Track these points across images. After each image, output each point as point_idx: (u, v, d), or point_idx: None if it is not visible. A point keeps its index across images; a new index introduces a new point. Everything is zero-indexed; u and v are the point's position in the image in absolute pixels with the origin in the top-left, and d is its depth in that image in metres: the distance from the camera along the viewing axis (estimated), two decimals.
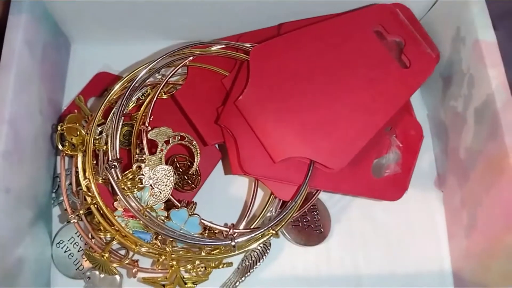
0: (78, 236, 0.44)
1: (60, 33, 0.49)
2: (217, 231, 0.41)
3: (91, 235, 0.41)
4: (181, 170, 0.44)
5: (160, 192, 0.39)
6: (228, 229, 0.40)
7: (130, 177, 0.39)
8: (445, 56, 0.46)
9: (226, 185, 0.46)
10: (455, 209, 0.45)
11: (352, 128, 0.39)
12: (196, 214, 0.39)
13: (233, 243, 0.38)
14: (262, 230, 0.39)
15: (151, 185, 0.39)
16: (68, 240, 0.44)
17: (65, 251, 0.43)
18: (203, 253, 0.40)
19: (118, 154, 0.40)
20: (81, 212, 0.39)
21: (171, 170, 0.39)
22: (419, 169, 0.48)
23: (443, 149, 0.47)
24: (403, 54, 0.42)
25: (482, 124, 0.40)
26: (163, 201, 0.39)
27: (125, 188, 0.39)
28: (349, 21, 0.43)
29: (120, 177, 0.39)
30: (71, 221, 0.39)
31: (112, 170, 0.39)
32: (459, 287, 0.44)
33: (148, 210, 0.39)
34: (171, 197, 0.40)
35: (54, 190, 0.45)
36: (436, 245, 0.46)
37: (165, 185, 0.39)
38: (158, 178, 0.39)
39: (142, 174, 0.39)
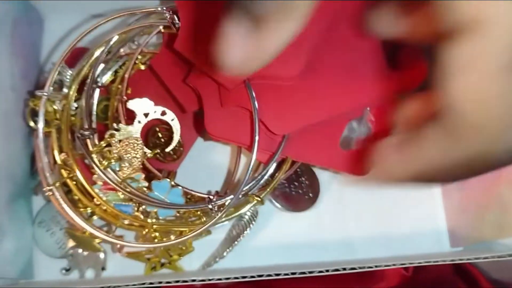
0: (59, 214, 0.42)
1: (31, 8, 0.47)
2: (199, 199, 0.40)
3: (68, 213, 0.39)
4: (162, 141, 0.42)
5: (130, 163, 0.37)
6: (211, 196, 0.38)
7: (104, 145, 0.37)
8: None
9: (209, 153, 0.45)
10: None
11: (310, 100, 0.37)
12: (178, 185, 0.38)
13: (210, 206, 0.37)
14: (239, 193, 0.37)
15: (120, 155, 0.37)
16: (50, 219, 0.42)
17: (46, 230, 0.42)
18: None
19: (93, 125, 0.39)
20: (57, 184, 0.37)
21: (139, 140, 0.38)
22: None
23: None
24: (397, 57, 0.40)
25: None
26: (134, 173, 0.37)
27: (101, 159, 0.37)
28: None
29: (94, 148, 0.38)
30: (46, 194, 0.37)
31: (87, 139, 0.37)
32: (455, 244, 0.43)
33: (128, 180, 0.38)
34: (150, 167, 0.39)
35: (34, 170, 0.44)
36: (430, 204, 0.45)
37: (135, 156, 0.38)
38: (126, 148, 0.37)
39: (114, 144, 0.37)
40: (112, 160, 0.38)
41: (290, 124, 0.37)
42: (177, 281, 0.34)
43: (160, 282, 0.35)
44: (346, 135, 0.41)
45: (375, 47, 0.39)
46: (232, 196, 0.37)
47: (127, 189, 0.37)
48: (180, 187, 0.38)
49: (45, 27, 0.50)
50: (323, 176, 0.44)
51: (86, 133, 0.38)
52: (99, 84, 0.41)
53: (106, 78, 0.43)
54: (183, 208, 0.38)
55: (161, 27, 0.42)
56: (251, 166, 0.36)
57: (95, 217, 0.39)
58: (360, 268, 0.34)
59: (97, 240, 0.38)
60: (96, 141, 0.39)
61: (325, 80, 0.38)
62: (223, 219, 0.39)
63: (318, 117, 0.37)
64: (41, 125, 0.39)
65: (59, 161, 0.39)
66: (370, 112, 0.40)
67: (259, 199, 0.38)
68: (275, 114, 0.37)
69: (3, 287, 0.38)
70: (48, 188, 0.37)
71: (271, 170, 0.39)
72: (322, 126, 0.38)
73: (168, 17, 0.39)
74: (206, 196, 0.38)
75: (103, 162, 0.38)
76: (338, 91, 0.37)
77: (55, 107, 0.40)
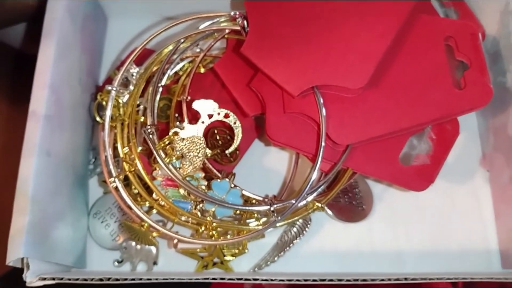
0: (115, 206, 0.43)
1: (98, 6, 0.49)
2: (256, 202, 0.40)
3: (129, 205, 0.40)
4: (220, 143, 0.43)
5: (191, 162, 0.38)
6: (270, 200, 0.39)
7: (167, 142, 0.38)
8: (492, 32, 0.44)
9: (263, 157, 0.46)
10: (503, 186, 0.43)
11: (373, 113, 0.38)
12: (237, 186, 0.38)
13: (272, 208, 0.37)
14: (301, 198, 0.37)
15: (182, 153, 0.38)
16: (105, 211, 0.43)
17: (101, 222, 0.43)
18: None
19: (156, 122, 0.40)
20: (120, 177, 0.38)
21: (202, 140, 0.38)
22: (464, 149, 0.47)
23: (489, 128, 0.46)
24: (463, 76, 0.40)
25: None
26: (194, 171, 0.38)
27: (163, 156, 0.38)
28: (424, 23, 0.40)
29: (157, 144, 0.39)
30: (111, 185, 0.38)
31: (150, 135, 0.38)
32: (506, 266, 0.42)
33: (187, 178, 0.38)
34: (210, 167, 0.40)
35: (92, 162, 0.45)
36: (481, 225, 0.44)
37: (197, 155, 0.38)
38: (190, 147, 0.38)
39: (177, 142, 0.38)
40: (173, 158, 0.38)
41: (352, 136, 0.38)
42: (231, 279, 0.34)
43: (214, 279, 0.35)
44: (406, 151, 0.41)
45: (442, 65, 0.39)
46: (293, 201, 0.37)
47: (190, 186, 0.38)
48: (238, 188, 0.39)
49: (108, 26, 0.52)
50: (377, 188, 0.44)
51: (151, 129, 0.39)
52: (162, 84, 0.42)
53: (166, 78, 0.44)
54: (244, 208, 0.38)
55: (227, 31, 0.43)
56: (315, 173, 0.36)
57: (154, 211, 0.39)
58: (412, 279, 0.34)
59: (154, 234, 0.39)
60: (156, 139, 0.39)
61: (389, 95, 0.38)
62: (283, 223, 0.39)
63: (380, 131, 0.38)
64: (107, 119, 0.39)
65: (122, 155, 0.39)
66: (431, 130, 0.40)
67: (319, 205, 0.38)
68: (338, 124, 0.38)
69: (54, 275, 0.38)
70: (112, 179, 0.38)
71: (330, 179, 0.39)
72: (383, 140, 0.39)
73: (240, 21, 0.40)
74: (265, 199, 0.39)
75: (165, 158, 0.38)
76: (401, 107, 0.38)
77: (120, 101, 0.41)
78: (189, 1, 0.48)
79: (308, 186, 0.36)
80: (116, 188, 0.38)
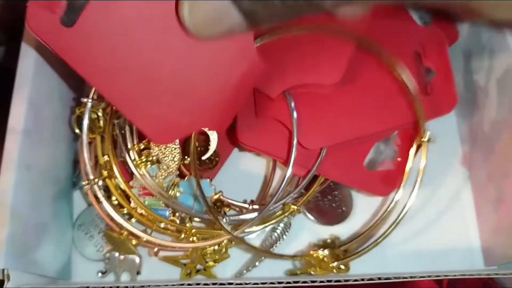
0: (98, 218, 0.44)
1: None
2: (236, 208, 0.41)
3: (111, 215, 0.41)
4: (198, 149, 0.43)
5: (168, 166, 0.39)
6: (247, 205, 0.39)
7: (142, 146, 0.39)
8: (465, 30, 0.45)
9: (248, 163, 0.46)
10: (481, 185, 0.44)
11: (342, 118, 0.38)
12: (206, 177, 0.39)
13: (225, 220, 0.38)
14: (273, 201, 0.38)
15: (158, 158, 0.39)
16: (89, 223, 0.44)
17: (85, 233, 0.44)
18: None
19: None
20: (95, 180, 0.39)
21: (177, 144, 0.39)
22: (445, 149, 0.47)
23: (467, 127, 0.46)
24: (430, 82, 0.41)
25: (505, 94, 0.39)
26: (171, 175, 0.39)
27: (139, 162, 0.39)
28: (393, 30, 0.41)
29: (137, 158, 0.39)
30: (85, 187, 0.39)
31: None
32: (489, 263, 0.42)
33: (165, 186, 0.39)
34: (184, 170, 0.40)
35: (76, 175, 0.46)
36: (463, 223, 0.44)
37: (172, 159, 0.39)
38: (164, 151, 0.39)
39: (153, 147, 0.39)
40: (149, 163, 0.39)
41: (320, 140, 0.38)
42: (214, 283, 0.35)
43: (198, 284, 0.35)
44: (372, 156, 0.41)
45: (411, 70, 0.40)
46: (271, 208, 0.38)
47: (159, 192, 0.39)
48: (207, 179, 0.40)
49: None
50: (354, 189, 0.45)
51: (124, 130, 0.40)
52: None
53: None
54: (206, 217, 0.39)
55: None
56: (286, 178, 0.37)
57: (133, 220, 0.40)
58: (395, 278, 0.34)
59: (133, 241, 0.39)
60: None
61: (358, 100, 0.39)
62: (260, 227, 0.39)
63: (348, 135, 0.38)
64: (85, 130, 0.40)
65: (101, 162, 0.40)
66: (397, 136, 0.40)
67: (295, 208, 0.39)
68: (307, 128, 0.38)
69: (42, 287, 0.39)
70: (87, 182, 0.39)
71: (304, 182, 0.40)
72: (349, 145, 0.39)
73: None
74: (242, 205, 0.39)
75: (140, 163, 0.39)
76: (369, 112, 0.38)
77: (99, 114, 0.42)
78: None
79: (281, 190, 0.37)
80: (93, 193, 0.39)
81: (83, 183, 0.39)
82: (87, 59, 0.31)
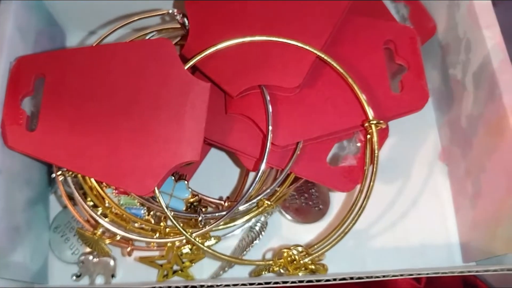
0: (74, 220, 0.43)
1: (54, 22, 0.49)
2: (213, 205, 0.40)
3: (85, 215, 0.40)
4: None
5: None
6: (222, 201, 0.39)
7: None
8: (442, 24, 0.45)
9: (223, 164, 0.46)
10: (460, 180, 0.43)
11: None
12: (182, 179, 0.39)
13: (199, 218, 0.38)
14: (244, 197, 0.37)
15: None
16: (65, 225, 0.44)
17: (61, 236, 0.43)
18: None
19: None
20: (67, 173, 0.39)
21: None
22: (423, 144, 0.47)
23: (445, 121, 0.46)
24: (401, 80, 0.40)
25: (481, 88, 0.39)
26: None
27: None
28: (363, 27, 0.41)
29: None
30: (57, 177, 0.39)
31: None
32: (467, 259, 0.42)
33: None
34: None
35: (51, 178, 0.45)
36: (442, 219, 0.44)
37: None
38: None
39: None
40: None
41: (289, 137, 0.38)
42: (186, 287, 0.34)
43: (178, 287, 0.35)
44: (335, 152, 0.41)
45: (380, 68, 0.40)
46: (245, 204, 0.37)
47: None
48: (184, 181, 0.39)
49: (67, 42, 0.52)
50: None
51: None
52: None
53: None
54: (182, 214, 0.39)
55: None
56: (259, 174, 0.37)
57: (106, 220, 0.39)
58: (367, 277, 0.34)
59: (107, 241, 0.39)
60: None
61: (327, 97, 0.38)
62: (233, 224, 0.39)
63: (317, 132, 0.38)
64: None
65: None
66: (361, 132, 0.40)
67: (269, 203, 0.38)
68: (276, 126, 0.38)
69: None
70: (60, 172, 0.39)
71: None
72: (312, 142, 0.39)
73: (179, 18, 0.40)
74: (217, 201, 0.39)
75: None
76: (339, 109, 0.38)
77: None
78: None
79: (253, 186, 0.36)
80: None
81: (57, 173, 0.39)
82: (55, 149, 0.37)
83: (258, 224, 0.43)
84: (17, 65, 0.40)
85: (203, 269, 0.43)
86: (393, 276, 0.34)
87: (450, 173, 0.45)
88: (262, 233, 0.42)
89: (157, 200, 0.36)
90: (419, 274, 0.34)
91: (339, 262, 0.42)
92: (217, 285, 0.34)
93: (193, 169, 0.44)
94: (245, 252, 0.42)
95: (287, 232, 0.44)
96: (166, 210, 0.36)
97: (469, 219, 0.42)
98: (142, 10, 0.46)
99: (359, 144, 0.39)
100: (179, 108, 0.36)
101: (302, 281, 0.34)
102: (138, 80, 0.37)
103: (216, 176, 0.45)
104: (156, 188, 0.35)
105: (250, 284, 0.33)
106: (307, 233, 0.44)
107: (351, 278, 0.33)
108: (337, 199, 0.45)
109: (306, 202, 0.44)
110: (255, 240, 0.42)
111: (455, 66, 0.43)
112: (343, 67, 0.38)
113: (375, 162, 0.37)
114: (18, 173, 0.40)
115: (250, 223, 0.43)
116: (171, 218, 0.36)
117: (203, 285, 0.34)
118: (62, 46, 0.51)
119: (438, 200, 0.45)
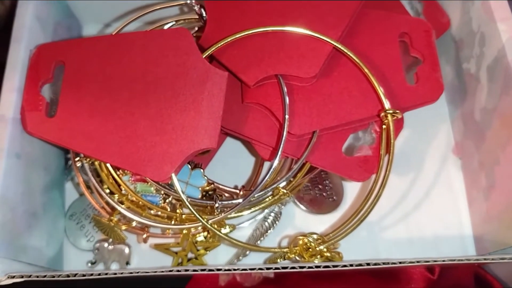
0: (89, 208, 0.44)
1: (71, 14, 0.50)
2: (227, 194, 0.41)
3: (101, 202, 0.41)
4: None
5: None
6: (237, 190, 0.39)
7: None
8: (456, 19, 0.45)
9: (235, 153, 0.46)
10: (473, 172, 0.43)
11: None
12: (198, 167, 0.39)
13: (216, 204, 0.38)
14: (259, 186, 0.38)
15: None
16: (81, 213, 0.44)
17: (77, 223, 0.44)
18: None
19: None
20: (85, 160, 0.39)
21: None
22: (436, 138, 0.47)
23: (459, 115, 0.46)
24: (416, 72, 0.41)
25: (495, 81, 0.39)
26: None
27: None
28: (379, 20, 0.41)
29: None
30: (75, 163, 0.40)
31: None
32: (481, 251, 0.42)
33: None
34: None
35: (67, 166, 0.46)
36: (455, 211, 0.44)
37: None
38: None
39: None
40: None
41: (305, 126, 0.38)
42: (204, 270, 0.34)
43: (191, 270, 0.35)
44: (351, 142, 0.41)
45: (395, 60, 0.40)
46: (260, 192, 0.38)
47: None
48: (200, 169, 0.40)
49: (83, 34, 0.53)
50: (347, 180, 0.45)
51: None
52: None
53: None
54: (198, 201, 0.39)
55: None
56: (275, 163, 0.37)
57: (123, 206, 0.40)
58: (384, 264, 0.34)
59: (123, 227, 0.39)
60: None
61: (343, 87, 0.39)
62: (250, 211, 0.39)
63: (332, 122, 0.38)
64: None
65: None
66: (376, 123, 0.40)
67: (284, 191, 0.39)
68: (292, 114, 0.38)
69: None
70: (78, 159, 0.39)
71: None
72: (328, 131, 0.39)
73: (197, 9, 0.41)
74: (233, 190, 0.39)
75: None
76: (354, 99, 0.39)
77: None
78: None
79: (269, 174, 0.37)
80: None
81: (76, 159, 0.40)
82: (74, 135, 0.37)
83: (272, 214, 0.43)
84: (37, 53, 0.40)
85: (217, 257, 0.43)
86: (410, 263, 0.34)
87: (463, 166, 0.46)
88: (276, 222, 0.43)
89: (174, 186, 0.36)
90: (435, 261, 0.34)
91: (352, 253, 0.42)
92: (234, 269, 0.34)
93: (208, 159, 0.44)
94: (259, 242, 0.42)
95: (301, 222, 0.44)
96: (182, 196, 0.36)
97: (482, 211, 0.42)
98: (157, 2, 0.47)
99: (374, 135, 0.39)
100: (196, 96, 0.36)
101: (319, 266, 0.34)
102: (157, 68, 0.38)
103: (230, 166, 0.46)
104: (173, 175, 0.35)
105: (267, 268, 0.34)
106: (320, 223, 0.44)
107: (368, 264, 0.34)
108: (350, 191, 0.45)
109: (320, 193, 0.44)
110: (269, 229, 0.43)
111: (468, 60, 0.43)
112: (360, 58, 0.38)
113: (391, 151, 0.38)
114: (37, 158, 0.40)
115: (264, 213, 0.43)
116: (188, 204, 0.36)
117: (220, 269, 0.34)
118: (79, 37, 0.52)
119: (451, 193, 0.45)
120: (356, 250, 0.42)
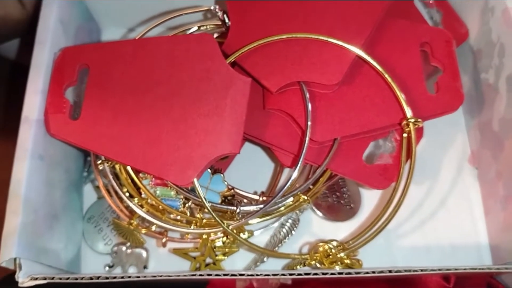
0: (108, 211, 0.44)
1: (91, 18, 0.50)
2: (246, 200, 0.41)
3: (121, 206, 0.41)
4: None
5: None
6: (256, 196, 0.39)
7: None
8: (474, 30, 0.45)
9: (252, 159, 0.47)
10: (490, 182, 0.44)
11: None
12: (219, 172, 0.39)
13: (238, 210, 0.38)
14: (280, 192, 0.37)
15: None
16: (99, 216, 0.44)
17: (95, 226, 0.44)
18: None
19: None
20: (106, 163, 0.40)
21: None
22: (453, 147, 0.47)
23: (475, 125, 0.46)
24: (436, 81, 0.41)
25: None
26: None
27: None
28: (401, 29, 0.41)
29: None
30: (96, 166, 0.40)
31: None
32: (497, 261, 0.42)
33: None
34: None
35: (86, 169, 0.46)
36: (472, 221, 0.45)
37: None
38: None
39: None
40: None
41: (327, 133, 0.39)
42: (226, 274, 0.35)
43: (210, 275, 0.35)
44: (371, 150, 0.42)
45: (416, 69, 0.40)
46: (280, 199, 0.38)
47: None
48: (220, 174, 0.40)
49: (102, 38, 0.53)
50: (365, 187, 0.45)
51: None
52: None
53: None
54: (219, 206, 0.39)
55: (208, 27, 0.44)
56: (297, 169, 0.37)
57: (143, 209, 0.40)
58: (406, 271, 0.34)
59: (142, 231, 0.40)
60: None
61: (364, 95, 0.39)
62: (270, 217, 0.40)
63: (354, 129, 0.39)
64: None
65: None
66: (396, 131, 0.41)
67: (305, 198, 0.39)
68: (314, 121, 0.38)
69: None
70: (99, 162, 0.40)
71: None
72: (349, 139, 0.40)
73: (220, 15, 0.41)
74: (253, 196, 0.39)
75: None
76: (376, 107, 0.39)
77: None
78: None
79: (290, 181, 0.37)
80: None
81: (97, 162, 0.40)
82: (97, 138, 0.38)
83: (290, 221, 0.43)
84: (62, 56, 0.40)
85: (234, 263, 0.43)
86: (432, 270, 0.34)
87: (480, 176, 0.46)
88: (294, 229, 0.43)
89: (196, 191, 0.36)
90: (456, 270, 0.35)
91: (370, 260, 0.42)
92: (257, 274, 0.34)
93: (227, 164, 0.44)
94: (277, 248, 0.42)
95: (318, 229, 0.44)
96: (204, 200, 0.36)
97: (499, 221, 0.42)
98: (177, 8, 0.47)
99: (394, 143, 0.40)
100: (220, 101, 0.37)
101: (341, 273, 0.34)
102: (181, 73, 0.38)
103: (248, 172, 0.46)
104: (195, 179, 0.36)
105: (290, 274, 0.34)
106: (337, 231, 0.44)
107: (390, 272, 0.34)
108: (368, 200, 0.45)
109: (337, 201, 0.44)
110: (288, 236, 0.43)
111: (487, 70, 0.44)
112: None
113: (413, 159, 0.38)
114: (59, 161, 0.41)
115: (281, 219, 0.43)
116: (209, 208, 0.36)
117: (243, 274, 0.34)
118: (98, 40, 0.52)
119: (468, 202, 0.45)
120: (373, 258, 0.42)
